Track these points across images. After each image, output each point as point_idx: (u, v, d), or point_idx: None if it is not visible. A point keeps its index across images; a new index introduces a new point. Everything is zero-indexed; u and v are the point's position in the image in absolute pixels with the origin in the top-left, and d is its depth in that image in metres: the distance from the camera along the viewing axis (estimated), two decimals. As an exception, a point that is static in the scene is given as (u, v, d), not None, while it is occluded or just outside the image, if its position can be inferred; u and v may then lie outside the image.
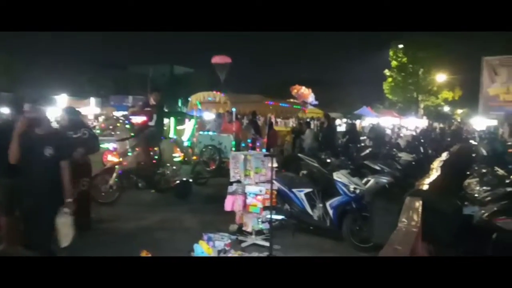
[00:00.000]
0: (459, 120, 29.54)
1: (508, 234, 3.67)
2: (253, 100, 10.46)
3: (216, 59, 13.23)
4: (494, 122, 20.35)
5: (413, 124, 24.58)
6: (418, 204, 3.66)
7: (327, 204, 5.20)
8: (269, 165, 4.69)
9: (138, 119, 7.37)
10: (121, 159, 6.94)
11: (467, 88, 28.25)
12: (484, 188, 4.81)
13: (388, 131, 19.44)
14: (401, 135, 16.64)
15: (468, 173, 6.29)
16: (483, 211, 3.93)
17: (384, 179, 5.95)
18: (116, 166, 6.68)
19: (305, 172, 6.78)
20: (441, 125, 23.65)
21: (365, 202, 5.08)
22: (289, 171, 7.10)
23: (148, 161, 7.01)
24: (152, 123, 7.14)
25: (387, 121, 24.97)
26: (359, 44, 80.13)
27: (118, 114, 14.28)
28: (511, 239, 3.67)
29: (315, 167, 6.38)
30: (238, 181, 4.93)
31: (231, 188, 4.92)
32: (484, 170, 5.70)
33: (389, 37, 28.88)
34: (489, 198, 4.13)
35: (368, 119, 23.97)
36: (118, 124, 7.30)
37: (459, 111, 35.80)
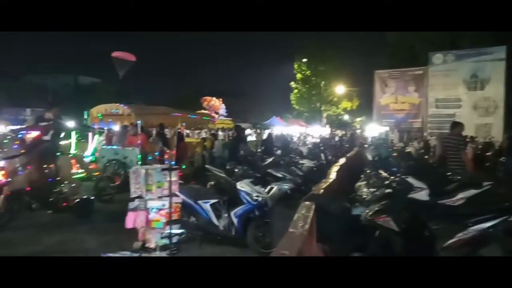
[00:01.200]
0: (357, 127, 32.40)
1: (388, 231, 4.14)
2: (159, 112, 10.28)
3: (118, 54, 12.38)
4: (386, 129, 22.72)
5: (318, 132, 26.30)
6: (310, 208, 3.94)
7: (232, 213, 5.33)
8: (171, 178, 4.67)
9: (32, 135, 6.80)
10: (9, 179, 6.29)
11: (363, 98, 31.13)
12: (371, 189, 5.36)
13: (295, 139, 20.55)
14: (307, 143, 17.70)
15: (360, 176, 6.95)
16: (367, 211, 4.37)
17: (286, 186, 6.28)
18: (5, 187, 6.06)
19: (213, 183, 6.86)
20: (343, 132, 25.73)
21: (268, 209, 5.31)
22: (199, 182, 7.13)
23: (42, 180, 6.47)
24: (47, 138, 6.63)
25: (295, 130, 26.37)
26: (269, 56, 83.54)
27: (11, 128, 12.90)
28: (391, 236, 4.14)
29: (222, 177, 6.49)
30: (140, 197, 4.80)
31: (132, 204, 4.77)
32: (372, 173, 6.36)
33: (295, 50, 30.79)
34: (372, 198, 4.60)
35: (277, 129, 25.05)
36: (6, 140, 6.63)
37: (358, 119, 39.25)
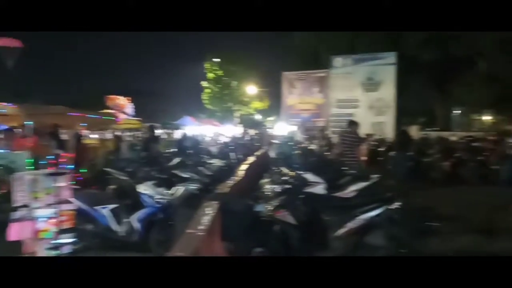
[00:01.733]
0: (268, 126, 33.45)
1: (286, 225, 4.33)
2: (53, 111, 9.39)
3: (3, 42, 10.89)
4: (294, 128, 23.81)
5: (231, 131, 26.56)
6: (212, 208, 3.94)
7: (134, 217, 5.09)
8: (62, 183, 4.29)
9: None
10: None
11: (273, 99, 32.25)
12: (273, 186, 5.55)
13: (208, 139, 20.48)
14: (218, 142, 17.73)
15: (265, 174, 7.15)
16: (267, 207, 4.51)
17: (193, 186, 6.21)
18: None
19: (114, 186, 6.50)
20: (256, 132, 26.34)
21: (172, 211, 5.19)
22: (99, 187, 6.69)
23: None
24: None
25: (208, 130, 26.29)
26: (180, 55, 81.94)
27: None
28: (289, 229, 4.34)
29: (123, 180, 6.18)
30: (25, 205, 4.33)
31: (16, 214, 4.28)
32: (276, 170, 6.58)
33: (207, 49, 30.70)
34: (273, 195, 4.76)
35: (189, 128, 24.73)
36: None
37: (269, 118, 40.57)
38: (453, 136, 17.44)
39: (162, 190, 5.30)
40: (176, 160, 7.72)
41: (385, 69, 22.39)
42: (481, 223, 6.32)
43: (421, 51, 23.14)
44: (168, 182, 6.32)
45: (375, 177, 5.89)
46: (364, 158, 8.28)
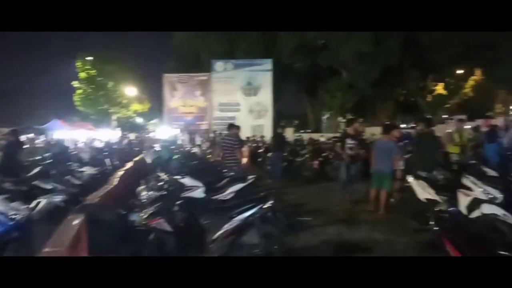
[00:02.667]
0: (150, 130, 32.22)
1: (162, 233, 4.17)
2: None
3: None
4: (177, 131, 23.40)
5: (107, 136, 24.77)
6: (77, 221, 3.58)
7: (-21, 239, 4.34)
8: None
9: None
10: None
11: (154, 101, 31.20)
12: (149, 193, 5.32)
13: (81, 145, 18.73)
14: (92, 148, 16.37)
15: (142, 180, 6.83)
16: (142, 215, 4.29)
17: (57, 198, 5.59)
18: None
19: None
20: (136, 135, 25.05)
21: (31, 228, 4.58)
22: None
23: None
24: None
25: (81, 134, 24.05)
26: (48, 53, 73.42)
27: None
28: (165, 237, 4.19)
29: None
30: None
31: None
32: (153, 176, 6.34)
33: (78, 47, 28.00)
34: (148, 202, 4.56)
35: (59, 133, 22.30)
36: None
37: (151, 122, 39.10)
38: (322, 137, 19.24)
39: (17, 204, 4.63)
40: (37, 170, 6.85)
41: (263, 74, 23.68)
42: (344, 215, 7.09)
43: (293, 59, 25.05)
44: (28, 194, 5.57)
45: (252, 177, 6.12)
46: (243, 159, 8.55)
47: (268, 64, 23.62)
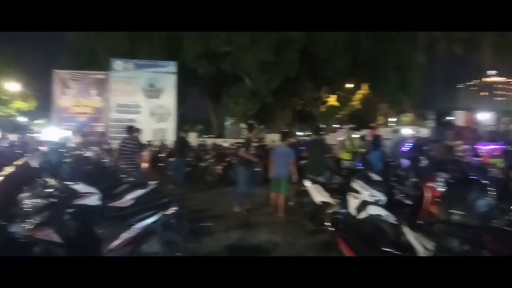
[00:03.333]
0: (35, 130, 28.95)
1: (50, 245, 3.75)
2: None
3: None
4: (68, 133, 21.41)
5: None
6: None
7: None
8: None
9: None
10: None
11: (42, 99, 28.18)
12: (34, 201, 4.74)
13: None
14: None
15: (26, 186, 6.07)
16: (25, 225, 3.81)
17: None
18: None
19: None
20: (18, 136, 22.27)
21: None
22: None
23: None
24: None
25: None
26: None
27: None
28: (54, 249, 3.77)
29: None
30: None
31: None
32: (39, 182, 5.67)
33: None
34: (33, 211, 4.06)
35: None
36: None
37: (36, 121, 35.20)
38: (226, 142, 19.44)
39: None
40: None
41: (166, 77, 23.03)
42: (246, 220, 7.24)
43: (197, 64, 24.94)
44: None
45: (153, 183, 5.88)
46: (144, 164, 8.18)
47: (172, 66, 23.06)
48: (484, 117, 20.49)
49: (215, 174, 11.41)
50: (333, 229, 3.32)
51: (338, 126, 28.65)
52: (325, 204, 5.97)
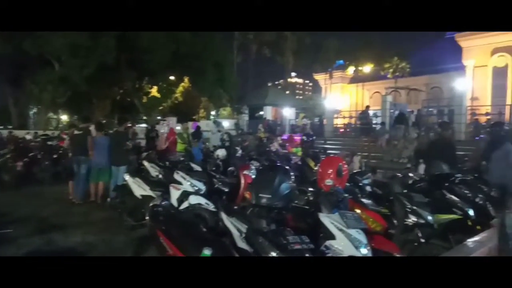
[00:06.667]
0: None
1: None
2: None
3: None
4: None
5: None
6: None
7: None
8: None
9: None
10: None
11: None
12: None
13: None
14: None
15: None
16: None
17: None
18: None
19: None
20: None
21: None
22: None
23: None
24: None
25: None
26: None
27: None
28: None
29: None
30: None
31: None
32: None
33: None
34: None
35: None
36: None
37: None
38: (29, 134, 16.80)
39: None
40: None
41: None
42: (54, 220, 6.41)
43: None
44: None
45: None
46: None
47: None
48: (288, 112, 23.70)
49: (15, 172, 9.69)
50: (153, 222, 3.24)
51: (160, 118, 28.35)
52: (146, 198, 5.82)
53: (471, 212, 4.38)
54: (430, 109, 20.55)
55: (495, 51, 24.78)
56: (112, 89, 28.74)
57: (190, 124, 16.18)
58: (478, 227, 4.06)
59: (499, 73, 24.52)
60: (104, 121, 11.90)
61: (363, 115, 17.40)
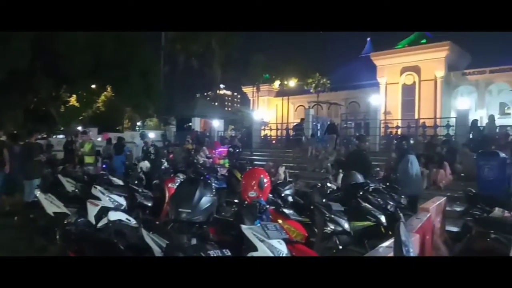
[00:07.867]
0: None
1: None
2: None
3: None
4: None
5: None
6: None
7: None
8: None
9: None
10: None
11: None
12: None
13: None
14: None
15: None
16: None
17: None
18: None
19: None
20: None
21: None
22: None
23: None
24: None
25: None
26: None
27: None
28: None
29: None
30: None
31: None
32: None
33: None
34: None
35: None
36: None
37: None
38: None
39: None
40: None
41: None
42: None
43: None
44: None
45: None
46: None
47: None
48: (216, 124, 23.70)
49: None
50: (63, 242, 3.01)
51: (79, 128, 26.49)
52: (60, 215, 5.38)
53: (383, 219, 4.73)
54: (349, 122, 21.92)
55: (403, 70, 27.36)
56: (25, 97, 26.25)
57: (90, 133, 14.84)
58: (390, 233, 4.38)
59: (408, 90, 27.14)
60: (15, 132, 10.86)
61: (298, 127, 17.99)
